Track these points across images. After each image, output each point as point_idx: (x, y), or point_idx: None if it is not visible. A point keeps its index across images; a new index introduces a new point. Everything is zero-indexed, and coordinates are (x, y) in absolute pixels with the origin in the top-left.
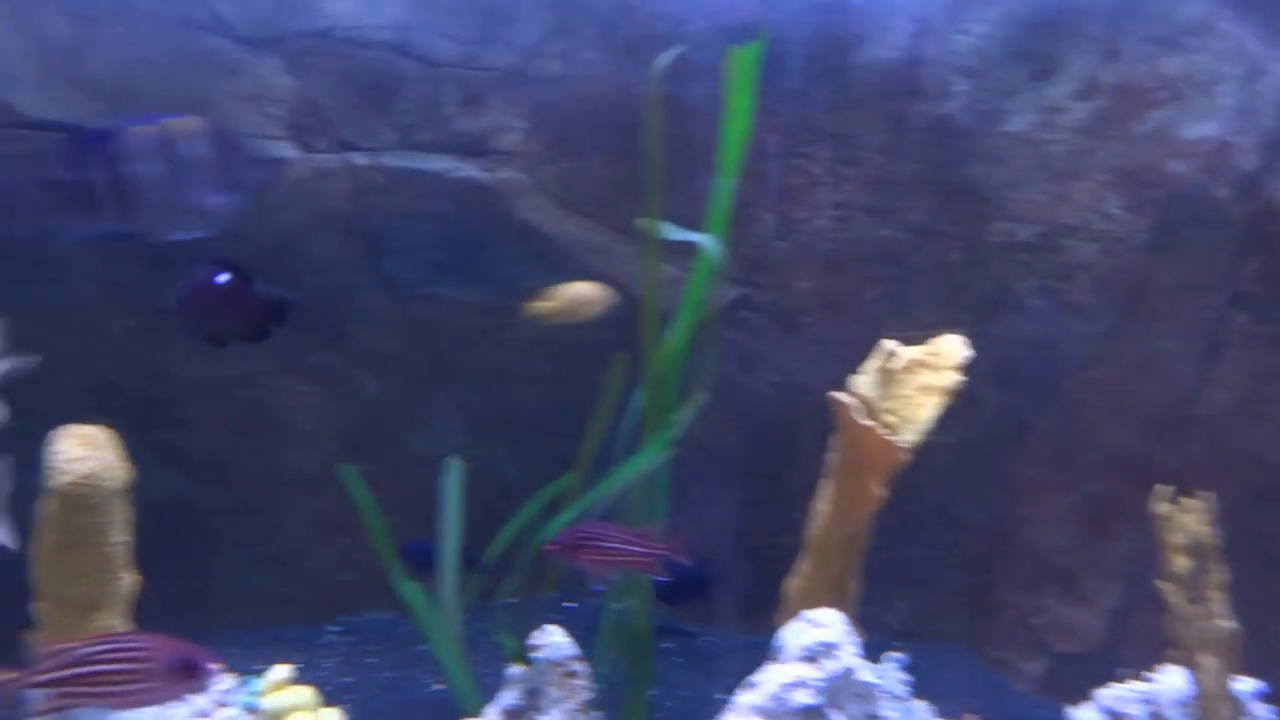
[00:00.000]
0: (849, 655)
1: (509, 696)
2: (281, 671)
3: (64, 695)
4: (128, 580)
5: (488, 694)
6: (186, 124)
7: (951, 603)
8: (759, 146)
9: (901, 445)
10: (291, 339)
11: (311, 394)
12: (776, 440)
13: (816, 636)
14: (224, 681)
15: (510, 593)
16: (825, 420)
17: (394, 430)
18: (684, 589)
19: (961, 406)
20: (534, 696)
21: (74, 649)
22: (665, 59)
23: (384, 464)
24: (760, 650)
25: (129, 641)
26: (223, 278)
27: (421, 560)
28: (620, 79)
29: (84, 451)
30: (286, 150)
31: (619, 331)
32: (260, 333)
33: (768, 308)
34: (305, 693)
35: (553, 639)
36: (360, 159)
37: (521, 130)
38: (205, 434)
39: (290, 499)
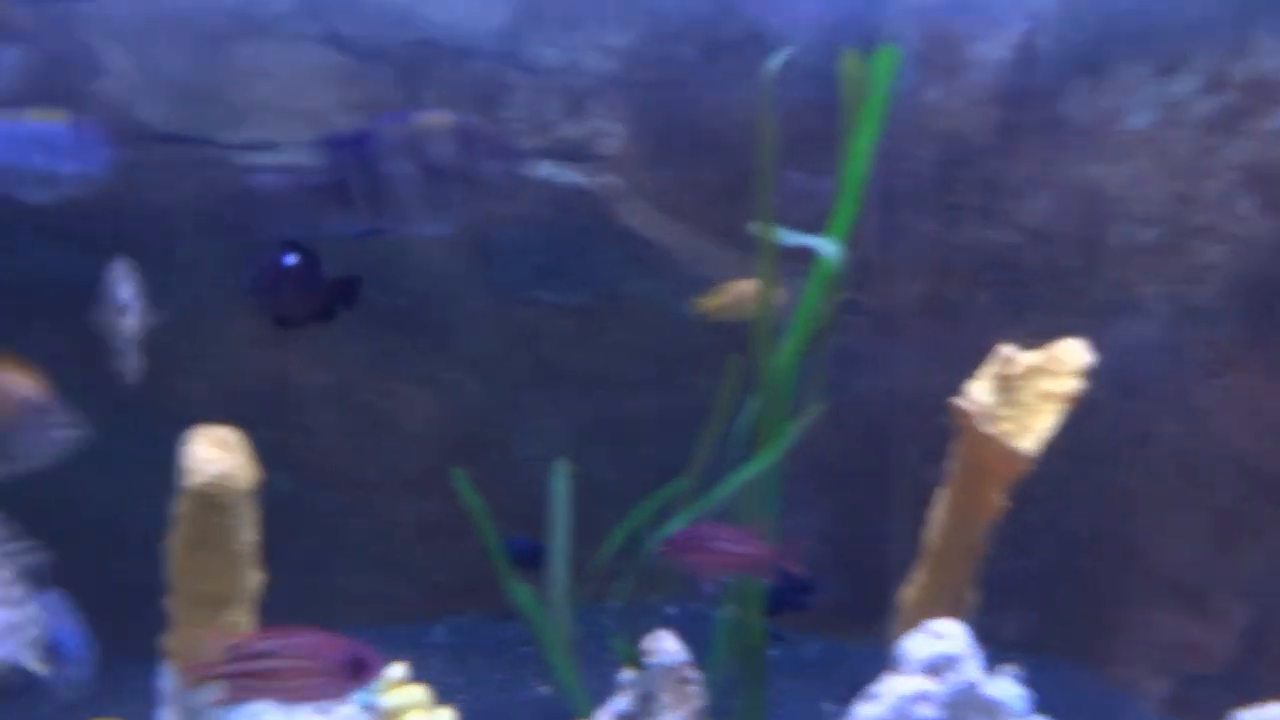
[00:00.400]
0: (972, 669)
1: (621, 701)
2: (397, 670)
3: (238, 688)
4: (255, 578)
5: (595, 698)
6: (436, 120)
7: (1068, 617)
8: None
9: (1025, 453)
10: (400, 343)
11: (418, 398)
12: (881, 447)
13: (938, 648)
14: None
15: (621, 596)
16: (932, 427)
17: (497, 433)
18: (788, 596)
19: (1079, 414)
20: (646, 702)
21: (251, 644)
22: (776, 61)
23: (487, 467)
24: (866, 660)
25: (302, 638)
26: (291, 259)
27: (517, 557)
28: (721, 82)
29: (216, 453)
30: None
31: (718, 336)
32: (328, 314)
33: (874, 312)
34: (420, 692)
35: (665, 644)
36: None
37: (622, 135)
38: (318, 436)
39: (397, 501)
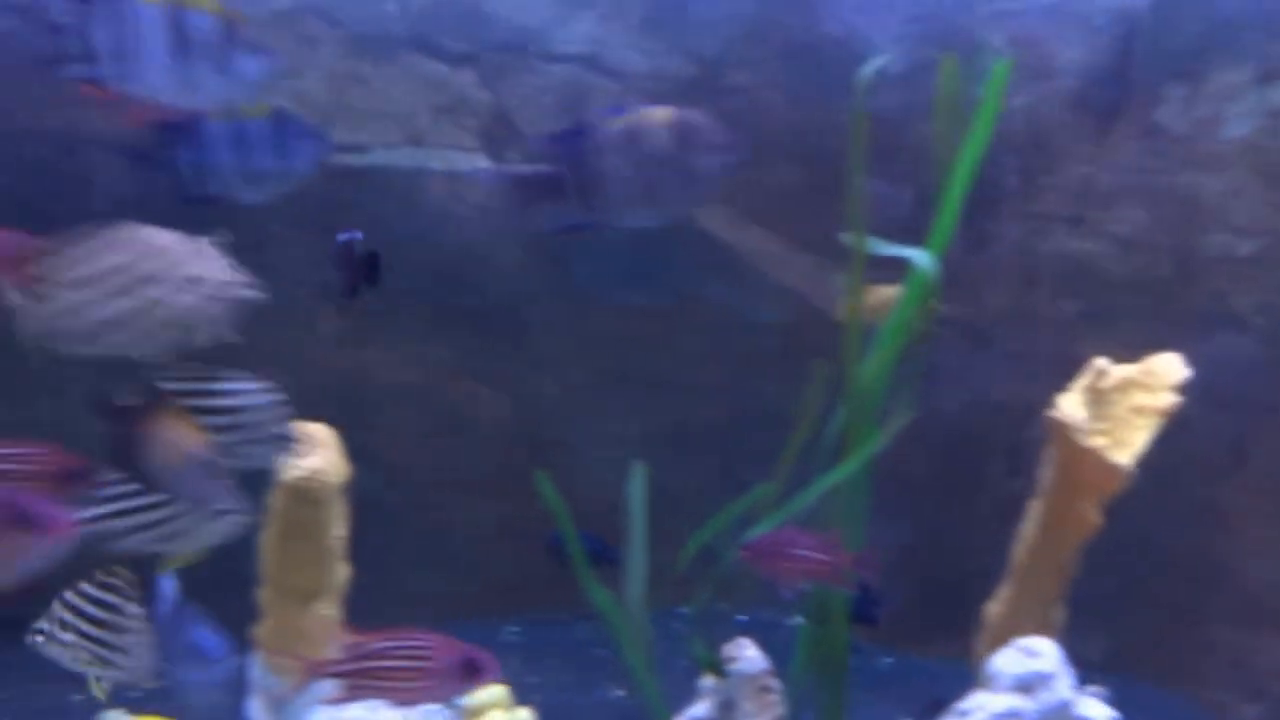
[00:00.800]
0: (1064, 687)
1: (700, 708)
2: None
3: (353, 688)
4: (343, 572)
5: (668, 702)
6: (656, 115)
7: (1156, 637)
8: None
9: (1123, 468)
10: (478, 344)
11: (494, 398)
12: (963, 459)
13: (1030, 666)
14: None
15: (698, 603)
16: (1017, 439)
17: (570, 435)
18: (857, 608)
19: (1170, 429)
20: (727, 709)
21: (368, 644)
22: (871, 67)
23: (559, 468)
24: (941, 674)
25: (417, 640)
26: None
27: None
28: (802, 87)
29: (310, 449)
30: (480, 160)
31: (791, 341)
32: (352, 291)
33: (958, 322)
34: (500, 691)
35: (746, 652)
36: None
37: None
38: (396, 435)
39: (471, 500)
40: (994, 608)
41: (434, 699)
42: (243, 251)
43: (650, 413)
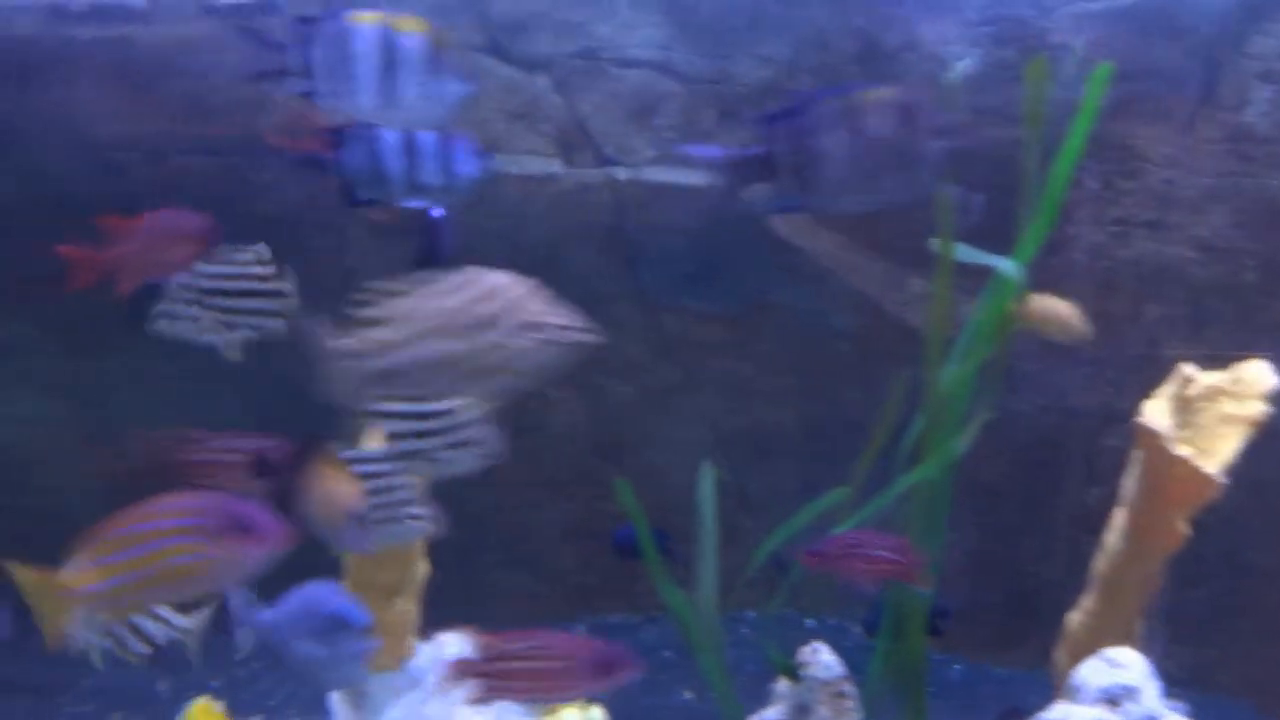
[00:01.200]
0: (1152, 700)
1: (773, 712)
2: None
3: (493, 688)
4: (422, 569)
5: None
6: (878, 95)
7: (1241, 653)
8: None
9: (1215, 478)
10: None
11: (565, 400)
12: (1039, 466)
13: (1117, 678)
14: None
15: (773, 607)
16: (1096, 446)
17: (640, 438)
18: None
19: (1258, 439)
20: (801, 714)
21: (510, 644)
22: (959, 69)
23: (630, 470)
24: (1012, 683)
25: (558, 640)
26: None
27: (624, 546)
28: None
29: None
30: (554, 165)
31: (865, 347)
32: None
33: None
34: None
35: (821, 657)
36: (621, 173)
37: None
38: None
39: (543, 501)
40: (1076, 618)
41: (572, 698)
42: (324, 255)
43: (723, 417)
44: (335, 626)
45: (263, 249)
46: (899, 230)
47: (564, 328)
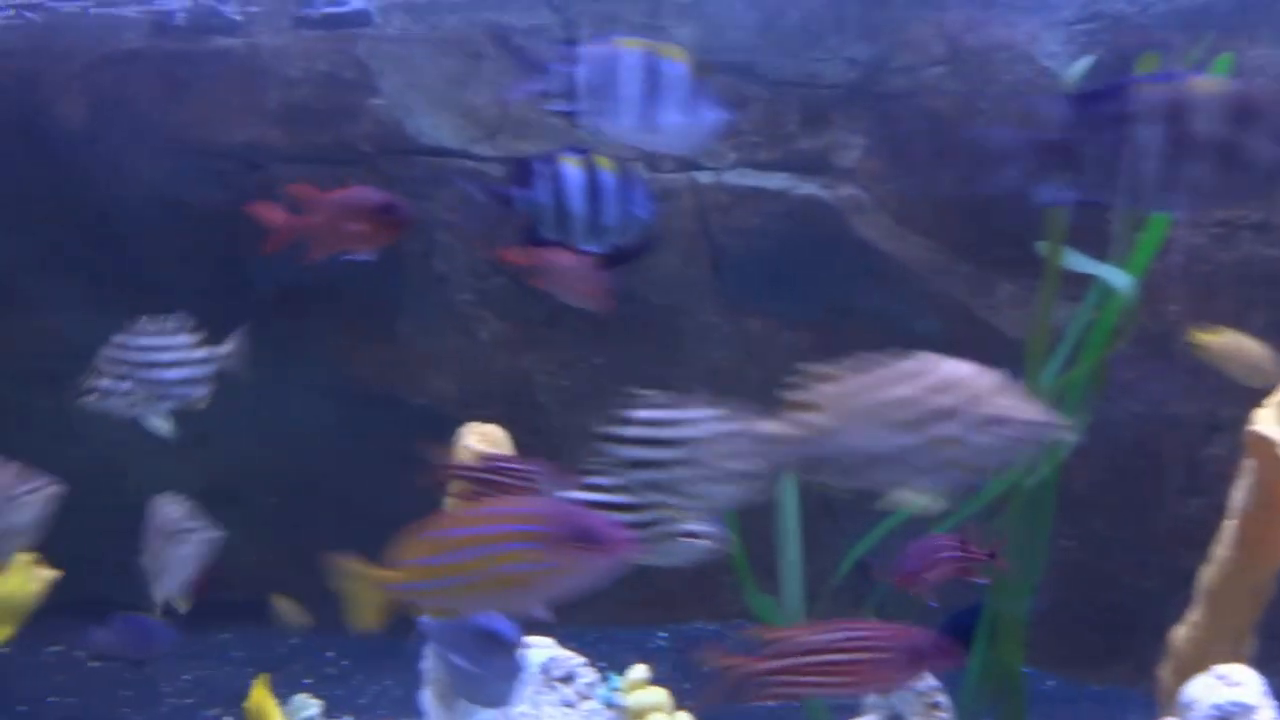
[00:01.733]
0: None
1: None
2: (640, 671)
3: (787, 684)
4: None
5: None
6: (1205, 84)
7: None
8: None
9: None
10: (635, 351)
11: None
12: (1137, 475)
13: (1230, 695)
14: (586, 675)
15: (866, 615)
16: (1197, 456)
17: None
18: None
19: None
20: None
21: (805, 636)
22: (1078, 68)
23: None
24: (1107, 698)
25: (863, 630)
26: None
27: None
28: (965, 93)
29: (485, 447)
30: (639, 168)
31: (950, 353)
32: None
33: (1134, 332)
34: (661, 694)
35: None
36: (704, 178)
37: (862, 147)
38: (554, 437)
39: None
40: (1182, 633)
41: (880, 690)
42: (410, 260)
43: None
44: (488, 642)
45: (185, 316)
46: (986, 233)
47: (1034, 424)
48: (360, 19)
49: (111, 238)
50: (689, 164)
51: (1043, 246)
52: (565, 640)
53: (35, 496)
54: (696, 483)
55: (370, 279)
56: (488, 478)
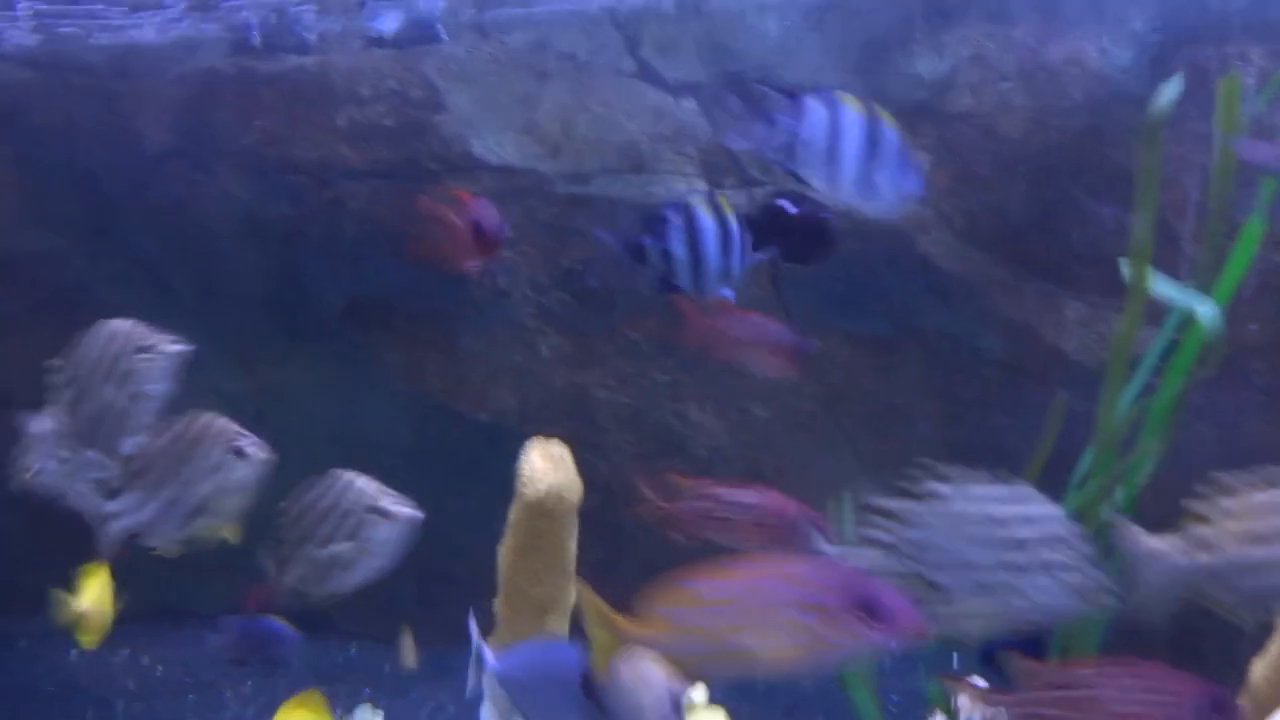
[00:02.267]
0: None
1: None
2: (700, 694)
3: None
4: (573, 587)
5: None
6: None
7: None
8: (1191, 172)
9: None
10: (694, 367)
11: (708, 422)
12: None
13: None
14: None
15: (934, 641)
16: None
17: (784, 460)
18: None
19: None
20: None
21: (1074, 672)
22: (1169, 91)
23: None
24: None
25: (1147, 675)
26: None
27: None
28: (1029, 110)
29: (550, 466)
30: (698, 187)
31: (1016, 373)
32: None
33: (1205, 353)
34: (722, 717)
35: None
36: (765, 194)
37: (926, 164)
38: (613, 453)
39: None
40: (1261, 664)
41: None
42: (473, 276)
43: (865, 439)
44: (556, 685)
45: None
46: (1055, 250)
47: None
48: (428, 37)
49: (187, 252)
50: (751, 180)
51: (1125, 267)
52: None
53: (249, 459)
54: (1030, 591)
55: (432, 294)
56: (723, 516)
